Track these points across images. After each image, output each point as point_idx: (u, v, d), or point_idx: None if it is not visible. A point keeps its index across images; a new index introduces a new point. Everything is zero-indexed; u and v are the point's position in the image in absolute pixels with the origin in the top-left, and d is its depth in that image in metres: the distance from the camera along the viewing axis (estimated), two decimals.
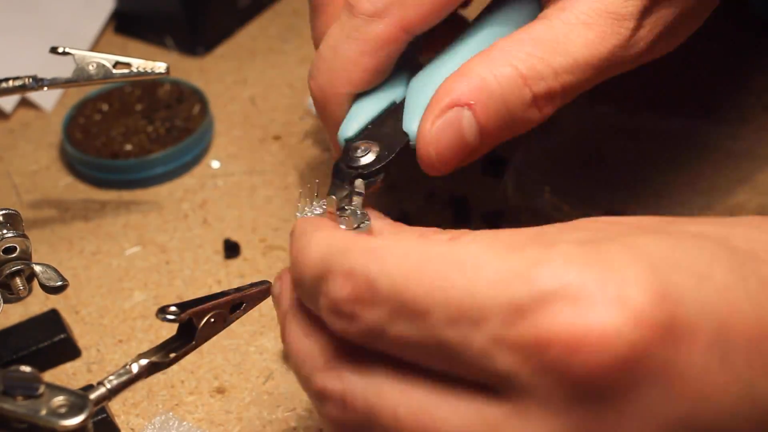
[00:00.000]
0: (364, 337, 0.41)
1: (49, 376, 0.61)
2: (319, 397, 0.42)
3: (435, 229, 0.44)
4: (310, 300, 0.44)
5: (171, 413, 0.58)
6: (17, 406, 0.40)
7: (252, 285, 0.48)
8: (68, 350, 0.62)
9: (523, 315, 0.37)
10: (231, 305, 0.47)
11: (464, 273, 0.39)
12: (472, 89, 0.50)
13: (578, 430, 0.38)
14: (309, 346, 0.43)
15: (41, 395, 0.40)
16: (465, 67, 0.51)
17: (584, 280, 0.37)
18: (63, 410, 0.40)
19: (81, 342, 0.63)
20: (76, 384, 0.60)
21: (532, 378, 0.37)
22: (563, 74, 0.51)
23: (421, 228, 0.45)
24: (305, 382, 0.43)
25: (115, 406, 0.59)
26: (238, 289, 0.47)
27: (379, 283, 0.40)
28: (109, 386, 0.43)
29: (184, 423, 0.57)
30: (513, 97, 0.50)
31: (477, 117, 0.50)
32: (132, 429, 0.58)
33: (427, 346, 0.39)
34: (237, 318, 0.47)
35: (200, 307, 0.45)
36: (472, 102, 0.50)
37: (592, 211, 0.67)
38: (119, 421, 0.58)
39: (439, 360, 0.39)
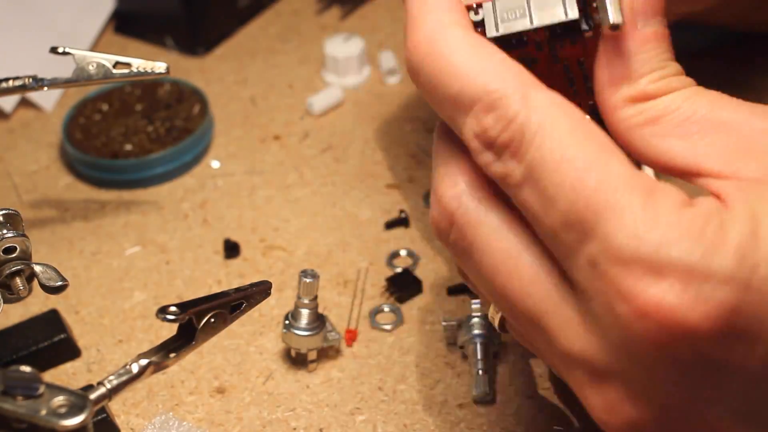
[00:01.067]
0: (494, 176, 0.44)
1: (49, 376, 0.61)
2: (435, 204, 0.47)
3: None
4: (451, 108, 0.45)
5: (171, 413, 0.58)
6: (17, 406, 0.39)
7: (252, 285, 0.48)
8: (68, 350, 0.62)
9: (627, 265, 0.39)
10: (231, 305, 0.47)
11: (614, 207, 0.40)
12: None
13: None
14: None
15: (41, 395, 0.40)
16: None
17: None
18: (63, 410, 0.40)
19: (81, 342, 0.63)
20: (76, 384, 0.60)
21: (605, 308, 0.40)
22: None
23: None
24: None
25: (115, 406, 0.59)
26: (238, 289, 0.47)
27: (531, 149, 0.42)
28: (109, 386, 0.43)
29: (184, 423, 0.57)
30: None
31: None
32: (132, 429, 0.58)
33: (540, 222, 0.42)
34: (237, 318, 0.47)
35: (200, 307, 0.45)
36: None
37: None
38: (119, 421, 0.58)
39: (546, 237, 0.43)
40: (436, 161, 0.48)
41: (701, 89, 0.45)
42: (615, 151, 0.42)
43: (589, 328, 0.41)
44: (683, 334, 0.39)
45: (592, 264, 0.40)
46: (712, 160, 0.43)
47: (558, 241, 0.42)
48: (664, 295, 0.39)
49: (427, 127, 0.77)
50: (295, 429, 0.57)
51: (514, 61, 0.44)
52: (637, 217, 0.40)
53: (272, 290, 0.50)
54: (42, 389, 0.40)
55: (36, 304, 0.65)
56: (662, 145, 0.44)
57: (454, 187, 0.46)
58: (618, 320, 0.40)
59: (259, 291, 0.48)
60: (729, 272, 0.39)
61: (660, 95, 0.44)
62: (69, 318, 0.64)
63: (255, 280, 0.66)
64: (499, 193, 0.45)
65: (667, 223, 0.39)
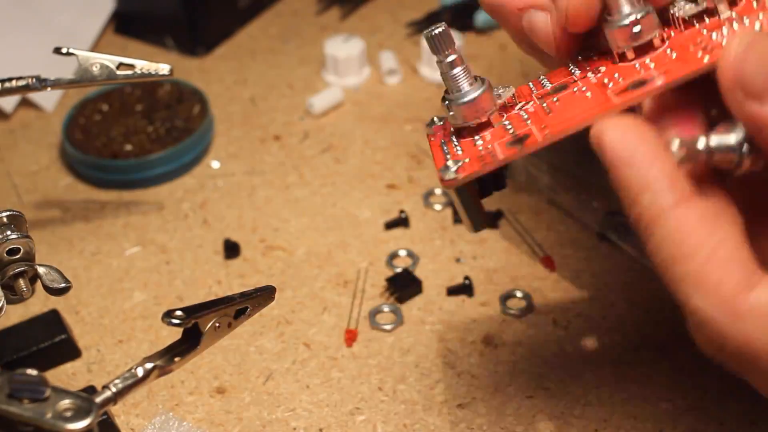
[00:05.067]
0: None
1: (50, 376, 0.61)
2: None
3: None
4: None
5: (171, 413, 0.58)
6: (23, 409, 0.40)
7: (257, 290, 0.48)
8: (68, 350, 0.62)
9: None
10: (236, 310, 0.47)
11: None
12: None
13: None
14: None
15: (47, 398, 0.40)
16: None
17: None
18: (69, 414, 0.40)
19: (81, 342, 0.63)
20: (76, 384, 0.60)
21: None
22: None
23: None
24: None
25: (115, 406, 0.59)
26: (243, 294, 0.47)
27: None
28: (114, 390, 0.43)
29: (184, 423, 0.57)
30: None
31: None
32: (132, 429, 0.58)
33: None
34: (241, 323, 0.47)
35: (205, 312, 0.45)
36: None
37: (588, 198, 0.67)
38: (119, 421, 0.58)
39: None
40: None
41: None
42: None
43: None
44: None
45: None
46: None
47: None
48: None
49: None
50: (295, 429, 0.57)
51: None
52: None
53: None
54: (48, 392, 0.40)
55: (36, 304, 0.65)
56: None
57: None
58: None
59: (264, 296, 0.48)
60: None
61: None
62: (69, 318, 0.64)
63: (255, 280, 0.66)
64: None
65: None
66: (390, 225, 0.69)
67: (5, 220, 0.51)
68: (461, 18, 0.86)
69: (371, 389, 0.59)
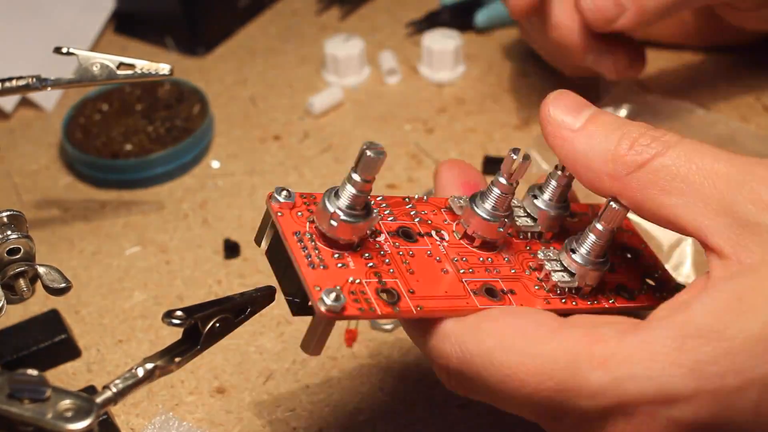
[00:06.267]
0: None
1: (49, 376, 0.61)
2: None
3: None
4: None
5: (171, 413, 0.58)
6: (24, 409, 0.40)
7: (257, 290, 0.48)
8: (68, 350, 0.62)
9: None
10: (236, 310, 0.47)
11: None
12: None
13: None
14: None
15: (48, 398, 0.40)
16: None
17: None
18: (69, 414, 0.40)
19: (81, 342, 0.63)
20: (76, 384, 0.60)
21: None
22: None
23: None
24: None
25: (115, 406, 0.59)
26: (243, 294, 0.47)
27: None
28: (115, 390, 0.43)
29: (184, 423, 0.57)
30: None
31: None
32: (132, 429, 0.58)
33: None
34: (242, 323, 0.47)
35: (206, 312, 0.45)
36: None
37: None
38: (119, 421, 0.58)
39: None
40: None
41: (680, 146, 0.44)
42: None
43: None
44: None
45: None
46: (717, 236, 0.43)
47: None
48: None
49: (427, 127, 0.77)
50: (295, 429, 0.57)
51: None
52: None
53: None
54: (48, 392, 0.40)
55: (36, 303, 0.65)
56: (669, 210, 0.44)
57: None
58: None
59: (264, 296, 0.48)
60: (691, 391, 0.40)
61: (644, 162, 0.44)
62: (69, 318, 0.64)
63: (255, 280, 0.66)
64: None
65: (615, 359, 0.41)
66: None
67: (5, 220, 0.51)
68: (461, 18, 0.86)
69: (371, 389, 0.59)
